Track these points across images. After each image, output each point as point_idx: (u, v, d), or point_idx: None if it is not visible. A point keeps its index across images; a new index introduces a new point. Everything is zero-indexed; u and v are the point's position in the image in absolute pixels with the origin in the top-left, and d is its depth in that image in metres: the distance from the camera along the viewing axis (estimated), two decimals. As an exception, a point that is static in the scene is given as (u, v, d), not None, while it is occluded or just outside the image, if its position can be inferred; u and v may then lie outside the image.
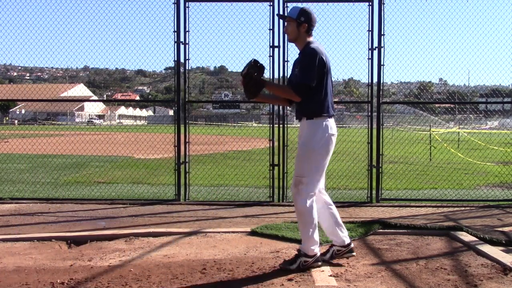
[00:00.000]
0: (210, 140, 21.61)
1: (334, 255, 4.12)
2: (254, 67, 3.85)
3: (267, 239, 4.99)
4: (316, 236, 3.94)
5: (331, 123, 3.96)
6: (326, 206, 4.12)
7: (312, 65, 3.86)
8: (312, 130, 3.92)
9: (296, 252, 4.01)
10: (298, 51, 4.09)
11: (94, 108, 68.17)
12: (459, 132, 22.19)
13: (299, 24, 3.97)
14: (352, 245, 4.16)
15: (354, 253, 4.18)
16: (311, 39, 4.04)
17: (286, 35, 4.13)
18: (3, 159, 12.27)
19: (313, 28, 4.05)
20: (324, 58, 3.93)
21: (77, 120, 70.56)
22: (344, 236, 4.14)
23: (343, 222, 5.61)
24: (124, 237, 5.06)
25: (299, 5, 6.12)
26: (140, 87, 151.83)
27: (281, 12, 7.11)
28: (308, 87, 3.87)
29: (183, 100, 7.45)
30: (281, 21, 7.12)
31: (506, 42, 7.80)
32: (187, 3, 7.27)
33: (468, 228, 5.20)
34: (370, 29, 7.20)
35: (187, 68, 7.37)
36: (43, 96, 9.09)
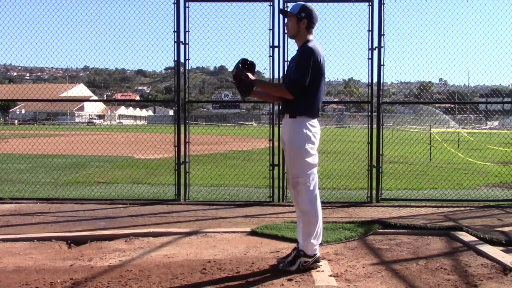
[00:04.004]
0: (210, 140, 21.61)
1: (301, 267, 3.88)
2: (242, 68, 3.86)
3: (267, 239, 4.99)
4: (320, 235, 3.93)
5: (313, 122, 3.92)
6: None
7: (307, 64, 3.83)
8: (294, 129, 3.89)
9: (295, 253, 3.98)
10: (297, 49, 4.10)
11: (94, 108, 68.17)
12: (459, 132, 22.19)
13: (299, 20, 3.96)
14: (318, 255, 3.96)
15: (320, 263, 3.98)
16: (310, 37, 4.01)
17: (286, 31, 4.11)
18: (3, 159, 12.28)
19: (313, 25, 4.02)
20: (320, 59, 3.89)
21: (77, 120, 70.58)
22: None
23: (343, 222, 5.63)
24: (124, 237, 5.06)
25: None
26: (140, 87, 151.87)
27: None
28: (301, 86, 3.84)
29: (183, 100, 7.45)
30: (281, 20, 7.12)
31: (506, 42, 7.78)
32: (187, 3, 7.27)
33: (468, 228, 5.20)
34: (370, 29, 7.19)
35: (187, 68, 7.37)
36: (43, 96, 9.09)
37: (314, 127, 3.92)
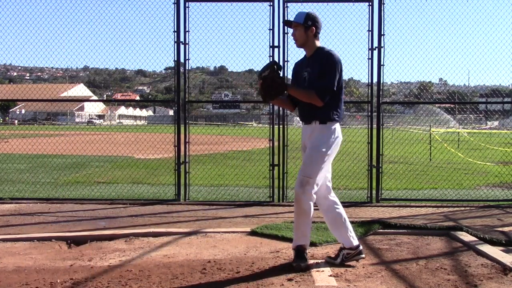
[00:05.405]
0: (210, 140, 21.61)
1: (344, 259, 4.08)
2: (275, 69, 3.83)
3: (267, 239, 4.99)
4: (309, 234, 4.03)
5: (339, 127, 4.07)
6: (333, 207, 4.12)
7: (335, 70, 3.93)
8: (325, 134, 3.98)
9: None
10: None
11: (94, 108, 68.18)
12: (459, 132, 22.20)
13: (307, 29, 3.99)
14: (361, 247, 4.11)
15: (363, 255, 4.12)
16: (318, 43, 4.09)
17: (294, 40, 4.12)
18: (3, 159, 12.27)
19: (320, 32, 4.09)
20: (341, 65, 4.01)
21: (77, 120, 70.59)
22: (352, 237, 4.10)
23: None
24: (124, 237, 5.06)
25: (301, 7, 6.12)
26: (140, 87, 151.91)
27: (281, 13, 7.12)
28: (331, 92, 3.92)
29: (183, 100, 7.45)
30: (281, 21, 7.12)
31: (506, 42, 7.78)
32: (187, 3, 7.27)
33: (468, 228, 5.20)
34: (370, 29, 7.19)
35: (187, 68, 7.37)
36: (43, 96, 9.10)
37: (339, 133, 4.06)
